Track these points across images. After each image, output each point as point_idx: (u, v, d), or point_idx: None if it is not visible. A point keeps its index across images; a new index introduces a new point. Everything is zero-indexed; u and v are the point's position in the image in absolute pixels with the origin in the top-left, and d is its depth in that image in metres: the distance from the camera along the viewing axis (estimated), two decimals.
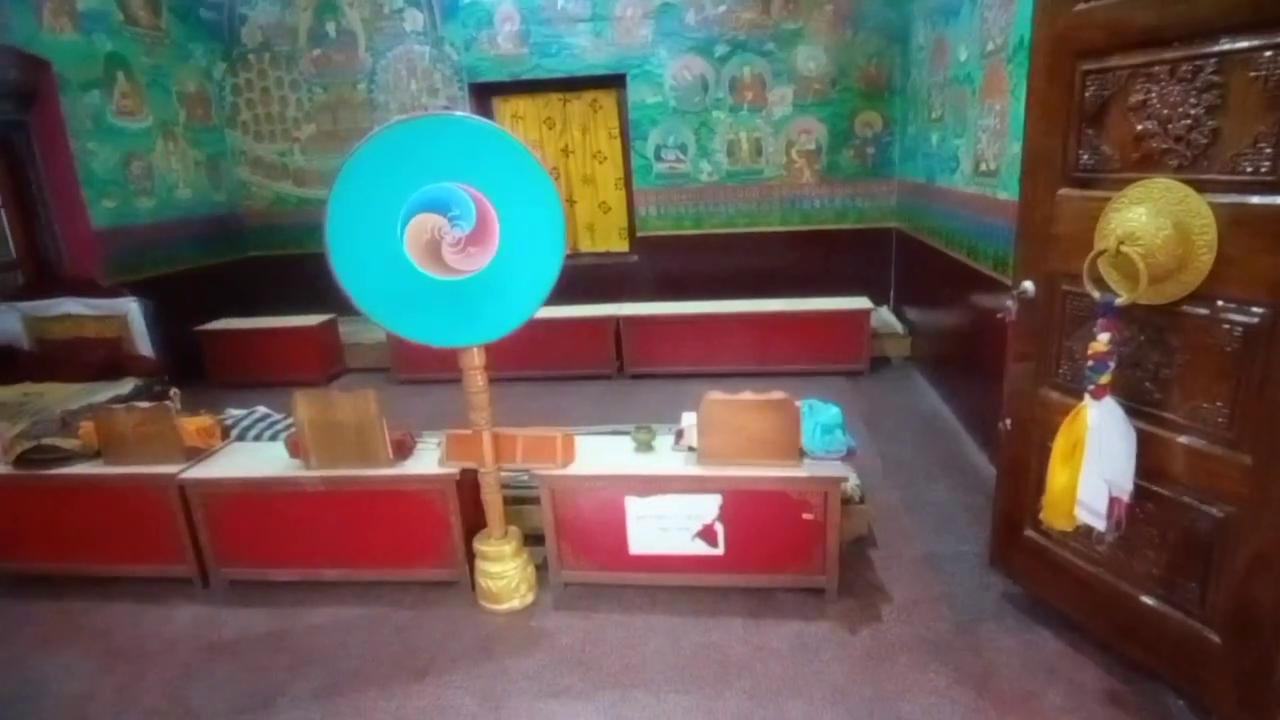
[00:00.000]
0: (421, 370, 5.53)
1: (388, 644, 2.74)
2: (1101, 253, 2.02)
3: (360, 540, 3.00)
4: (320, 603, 3.01)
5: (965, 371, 4.45)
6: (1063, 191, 2.26)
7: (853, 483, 3.00)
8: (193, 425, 3.13)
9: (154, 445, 3.03)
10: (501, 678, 2.52)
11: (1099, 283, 2.05)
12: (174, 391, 3.29)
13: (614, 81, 6.51)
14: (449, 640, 2.73)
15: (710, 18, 6.20)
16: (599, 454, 2.94)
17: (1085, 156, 2.19)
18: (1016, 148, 3.39)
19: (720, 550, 2.80)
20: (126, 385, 4.27)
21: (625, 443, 3.01)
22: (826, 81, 6.24)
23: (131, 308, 4.66)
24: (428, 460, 2.95)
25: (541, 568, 3.00)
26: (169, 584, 3.17)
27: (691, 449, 2.83)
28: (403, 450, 2.95)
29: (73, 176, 5.18)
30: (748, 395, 2.65)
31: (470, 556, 2.91)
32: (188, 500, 3.02)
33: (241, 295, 6.67)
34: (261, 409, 3.89)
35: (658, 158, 6.55)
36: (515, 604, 2.86)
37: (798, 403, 2.70)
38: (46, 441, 3.07)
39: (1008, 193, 3.57)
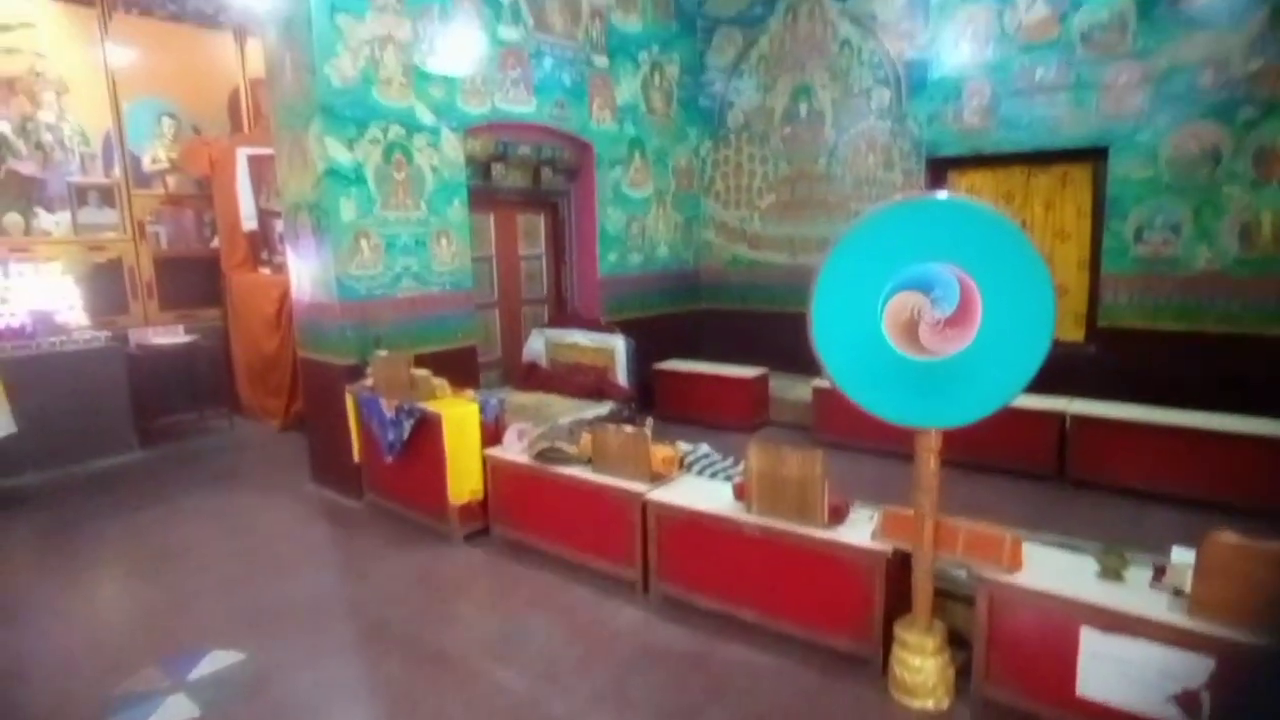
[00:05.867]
0: (842, 434, 5.61)
1: (794, 703, 2.82)
2: None
3: (782, 592, 3.16)
4: (736, 638, 3.24)
5: None
6: None
7: None
8: (660, 454, 3.67)
9: (630, 464, 3.64)
10: None
11: None
12: (649, 421, 3.90)
13: (1092, 154, 5.89)
14: None
15: (1235, 77, 5.23)
16: (1051, 568, 2.65)
17: None
18: None
19: None
20: (605, 407, 5.22)
21: (1084, 563, 2.66)
22: None
23: (619, 343, 5.70)
24: (860, 530, 2.99)
25: (961, 674, 2.80)
26: (617, 583, 3.73)
27: (1178, 593, 2.39)
28: (838, 515, 3.04)
29: (593, 234, 6.61)
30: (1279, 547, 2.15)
31: (887, 639, 2.86)
32: (647, 517, 3.54)
33: (690, 341, 7.61)
34: (705, 447, 4.37)
35: (1138, 239, 5.70)
36: (929, 704, 2.72)
37: None
38: (558, 444, 3.90)
39: None
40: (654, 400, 6.86)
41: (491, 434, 4.31)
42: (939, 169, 6.63)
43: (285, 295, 6.02)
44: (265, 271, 7.13)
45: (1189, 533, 2.36)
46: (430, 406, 4.21)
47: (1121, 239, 5.77)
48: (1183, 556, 2.45)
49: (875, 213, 2.48)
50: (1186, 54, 5.35)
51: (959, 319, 2.41)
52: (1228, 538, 2.22)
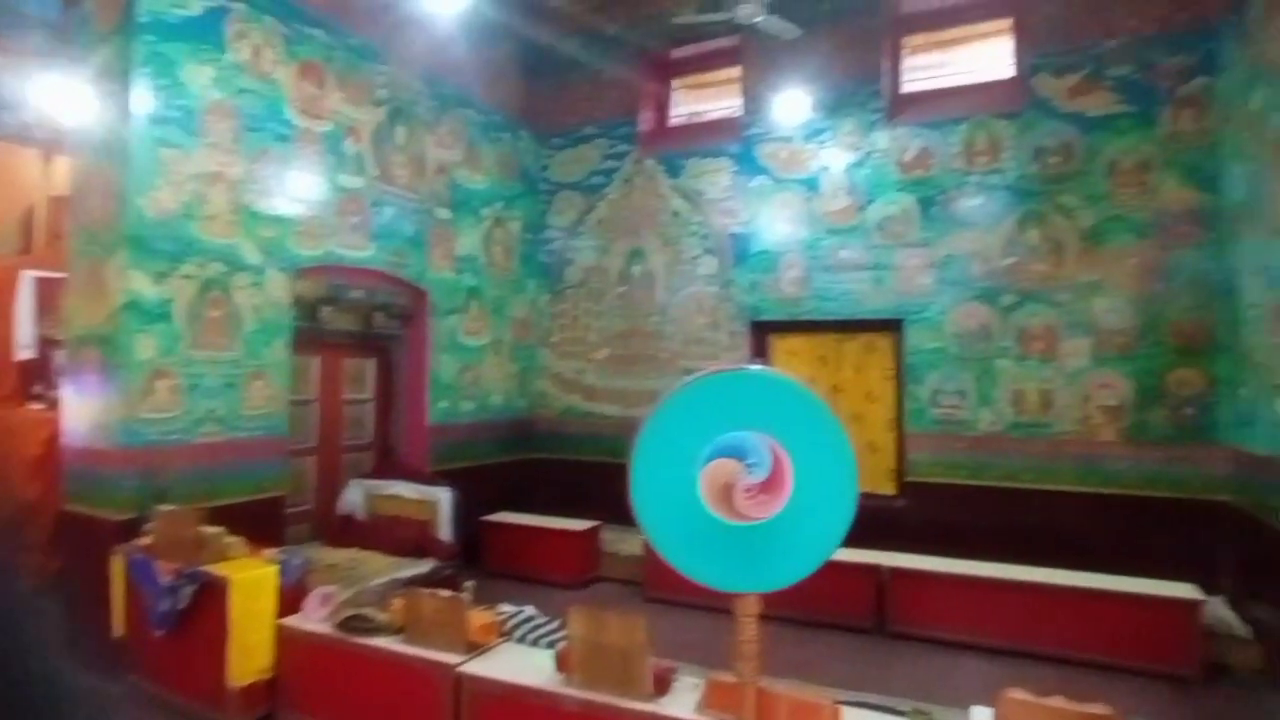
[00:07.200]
0: (673, 591, 5.51)
1: None
2: None
3: None
4: None
5: None
6: None
7: None
8: (478, 620, 3.41)
9: (445, 633, 3.33)
10: None
11: None
12: (469, 584, 3.64)
13: (891, 325, 6.63)
14: None
15: (997, 269, 6.19)
16: None
17: None
18: None
19: None
20: (426, 565, 4.84)
21: None
22: (1131, 335, 5.77)
23: (444, 496, 5.40)
24: (685, 701, 2.87)
25: None
26: None
27: None
28: (662, 685, 2.91)
29: (424, 381, 6.43)
30: (1058, 702, 2.28)
31: None
32: (460, 693, 3.21)
33: (523, 492, 7.39)
34: (530, 609, 4.14)
35: (934, 403, 6.38)
36: None
37: None
38: (365, 611, 3.53)
39: None
40: (481, 555, 6.48)
41: (292, 600, 3.83)
42: (761, 332, 7.17)
43: (56, 436, 5.25)
44: (37, 407, 6.23)
45: (998, 683, 2.46)
46: (216, 570, 3.71)
47: (920, 401, 6.42)
48: (982, 715, 2.54)
49: (690, 383, 2.57)
50: (959, 246, 6.30)
51: (771, 485, 2.49)
52: (1017, 695, 2.33)
